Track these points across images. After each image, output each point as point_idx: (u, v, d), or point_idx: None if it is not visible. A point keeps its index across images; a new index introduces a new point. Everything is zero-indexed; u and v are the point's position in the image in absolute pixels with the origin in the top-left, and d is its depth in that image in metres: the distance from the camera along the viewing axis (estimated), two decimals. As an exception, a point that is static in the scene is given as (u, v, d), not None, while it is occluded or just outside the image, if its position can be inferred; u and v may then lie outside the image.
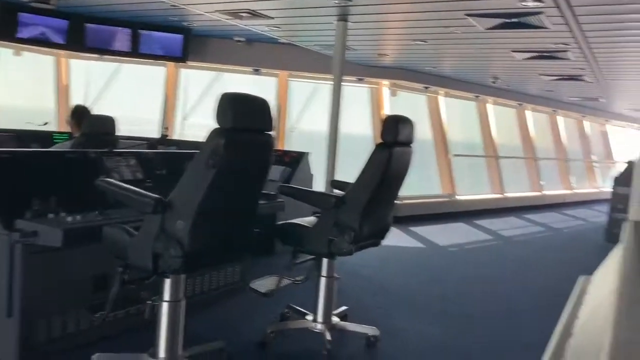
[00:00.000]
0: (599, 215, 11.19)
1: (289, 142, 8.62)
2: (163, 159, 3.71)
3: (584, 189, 14.15)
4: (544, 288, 5.11)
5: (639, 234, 1.90)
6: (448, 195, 9.65)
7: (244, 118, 2.38)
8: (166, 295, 2.57)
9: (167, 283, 2.56)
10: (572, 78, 8.09)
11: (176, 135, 8.17)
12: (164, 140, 5.01)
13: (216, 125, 2.33)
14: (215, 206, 2.37)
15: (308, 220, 3.32)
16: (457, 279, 5.32)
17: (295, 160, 5.70)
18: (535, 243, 8.13)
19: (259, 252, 4.96)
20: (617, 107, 12.43)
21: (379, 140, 3.11)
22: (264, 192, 3.83)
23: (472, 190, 10.60)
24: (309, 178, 5.84)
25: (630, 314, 0.88)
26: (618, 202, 7.78)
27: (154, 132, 7.39)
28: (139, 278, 2.52)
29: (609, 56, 6.10)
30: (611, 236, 7.57)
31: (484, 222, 9.18)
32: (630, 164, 7.83)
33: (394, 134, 3.03)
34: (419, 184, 9.81)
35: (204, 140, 2.32)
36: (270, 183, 4.90)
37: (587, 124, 15.00)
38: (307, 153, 5.83)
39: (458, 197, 9.76)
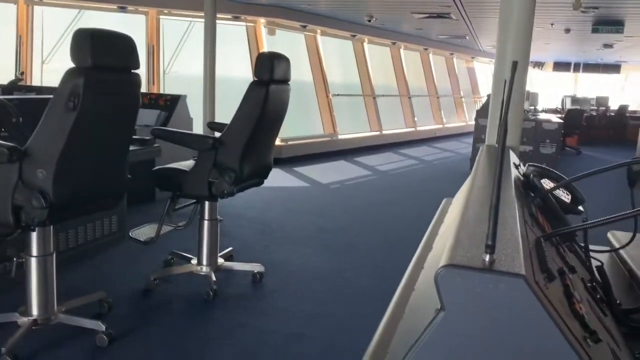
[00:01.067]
0: (466, 147, 12.13)
1: (165, 86, 8.22)
2: (18, 105, 3.37)
3: (453, 123, 15.18)
4: (417, 214, 5.49)
5: (490, 155, 2.08)
6: (330, 135, 9.87)
7: (105, 55, 2.21)
8: (33, 250, 2.40)
9: (33, 237, 2.39)
10: (440, 15, 8.47)
11: (35, 81, 7.43)
12: (17, 86, 4.53)
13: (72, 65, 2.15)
14: (80, 152, 2.22)
15: (186, 164, 3.24)
16: (339, 214, 5.54)
17: (171, 103, 5.47)
18: (410, 175, 8.66)
19: (138, 199, 4.79)
20: (482, 44, 13.28)
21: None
22: (139, 137, 3.67)
23: (352, 128, 10.93)
24: (188, 122, 5.65)
25: (467, 219, 0.98)
26: (480, 133, 8.46)
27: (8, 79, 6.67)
28: (0, 234, 2.33)
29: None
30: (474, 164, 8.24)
31: (364, 159, 9.57)
32: (489, 97, 8.49)
33: (269, 71, 2.99)
34: (301, 125, 9.93)
35: (60, 81, 2.13)
36: (146, 128, 4.69)
37: (455, 61, 15.92)
38: (183, 96, 5.61)
39: (339, 137, 10.03)
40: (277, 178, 7.29)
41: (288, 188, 6.84)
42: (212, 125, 3.91)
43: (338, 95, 10.24)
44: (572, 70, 17.84)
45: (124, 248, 3.87)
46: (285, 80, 3.18)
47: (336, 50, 11.13)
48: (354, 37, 10.74)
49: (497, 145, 2.31)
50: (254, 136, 3.04)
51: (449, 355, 0.70)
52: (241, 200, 5.29)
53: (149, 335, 2.70)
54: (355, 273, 3.74)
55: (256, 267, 3.45)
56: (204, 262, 3.35)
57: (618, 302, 1.49)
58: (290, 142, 8.74)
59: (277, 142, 8.43)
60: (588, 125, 13.68)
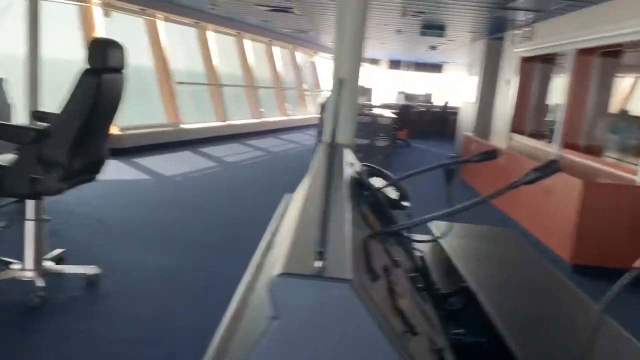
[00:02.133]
0: (310, 139, 12.54)
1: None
2: None
3: (298, 115, 15.58)
4: (262, 207, 5.55)
5: (325, 151, 2.17)
6: (173, 124, 9.51)
7: None
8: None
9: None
10: (283, 10, 8.60)
11: None
12: None
13: None
14: None
15: (6, 158, 2.89)
16: (183, 208, 5.38)
17: (-14, 87, 4.83)
18: (256, 166, 8.71)
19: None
20: (323, 39, 13.78)
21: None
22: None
23: (197, 118, 10.66)
24: (6, 108, 5.04)
25: (300, 224, 1.01)
26: (323, 126, 8.80)
27: None
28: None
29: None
30: (318, 156, 8.56)
31: (209, 150, 9.40)
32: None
33: (103, 59, 2.78)
34: (141, 114, 9.42)
35: None
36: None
37: (298, 55, 16.31)
38: (1, 78, 4.99)
39: (183, 126, 9.72)
40: (115, 170, 6.84)
41: (127, 181, 6.46)
42: (37, 115, 3.52)
43: (182, 83, 9.89)
44: (403, 68, 19.35)
45: None
46: (119, 69, 2.98)
47: (181, 37, 10.73)
48: (197, 24, 10.44)
49: (332, 142, 2.42)
50: (85, 128, 2.80)
51: (282, 362, 0.72)
52: (73, 195, 4.86)
53: (-41, 354, 2.37)
54: (199, 273, 3.65)
55: (90, 270, 3.21)
56: (29, 266, 3.03)
57: (438, 287, 1.66)
58: (130, 132, 8.25)
59: (116, 131, 7.91)
60: (417, 120, 14.97)
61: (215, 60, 11.17)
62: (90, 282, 3.18)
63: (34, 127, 2.88)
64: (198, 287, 3.38)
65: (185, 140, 9.57)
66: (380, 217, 1.47)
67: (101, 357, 2.47)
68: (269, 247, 1.59)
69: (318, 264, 0.76)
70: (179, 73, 9.93)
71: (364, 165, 1.69)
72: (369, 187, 1.52)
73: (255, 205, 5.79)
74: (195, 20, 10.22)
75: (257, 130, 12.46)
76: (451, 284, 1.76)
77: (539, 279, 1.78)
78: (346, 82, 2.46)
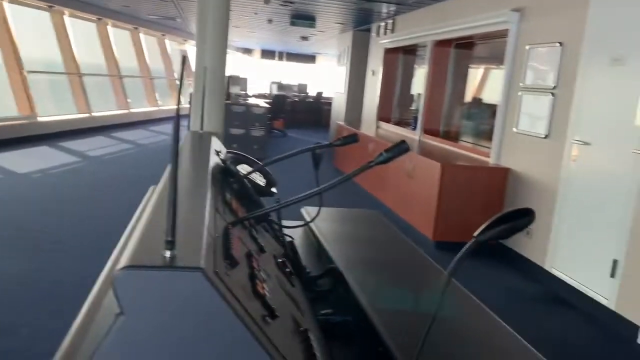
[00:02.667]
0: (183, 130, 12.14)
1: None
2: None
3: (169, 106, 15.00)
4: (130, 202, 5.27)
5: (193, 139, 2.10)
6: (26, 117, 8.67)
7: None
8: None
9: None
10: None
11: None
12: None
13: None
14: None
15: None
16: (42, 207, 4.93)
17: None
18: (123, 160, 8.25)
19: None
20: (193, 27, 13.35)
21: None
22: None
23: (57, 110, 9.82)
24: None
25: (154, 214, 0.96)
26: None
27: None
28: None
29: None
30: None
31: (71, 144, 8.73)
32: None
33: None
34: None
35: None
36: None
37: (168, 43, 15.67)
38: None
39: (40, 119, 8.90)
40: (-44, 169, 6.10)
41: (-28, 181, 5.78)
42: None
43: (34, 72, 9.03)
44: (276, 58, 19.43)
45: None
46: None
47: (34, 21, 9.76)
48: (51, 7, 9.58)
49: (200, 131, 2.36)
50: None
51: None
52: None
53: None
54: (59, 274, 3.38)
55: None
56: None
57: (308, 270, 1.68)
58: (-27, 126, 7.38)
59: (-45, 126, 7.03)
60: (292, 110, 15.14)
61: (75, 49, 10.35)
62: None
63: None
64: (62, 290, 3.11)
65: (43, 134, 8.78)
66: (247, 204, 1.45)
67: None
68: (129, 236, 1.50)
69: (167, 253, 0.72)
70: (34, 63, 9.06)
71: (229, 152, 1.66)
72: (235, 174, 1.50)
73: (120, 200, 5.48)
74: (48, 4, 9.38)
75: (124, 122, 11.80)
76: (321, 267, 1.80)
77: (401, 256, 1.89)
78: (211, 70, 2.40)
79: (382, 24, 8.31)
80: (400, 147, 1.01)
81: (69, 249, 3.83)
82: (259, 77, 18.51)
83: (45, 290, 3.09)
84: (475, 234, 0.84)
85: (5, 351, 2.41)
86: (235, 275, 0.84)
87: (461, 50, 6.37)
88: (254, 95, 13.29)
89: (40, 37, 10.17)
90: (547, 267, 4.01)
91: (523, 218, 0.84)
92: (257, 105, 9.49)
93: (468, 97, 6.43)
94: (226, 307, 0.70)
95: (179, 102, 0.85)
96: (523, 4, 4.58)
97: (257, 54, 19.79)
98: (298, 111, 15.72)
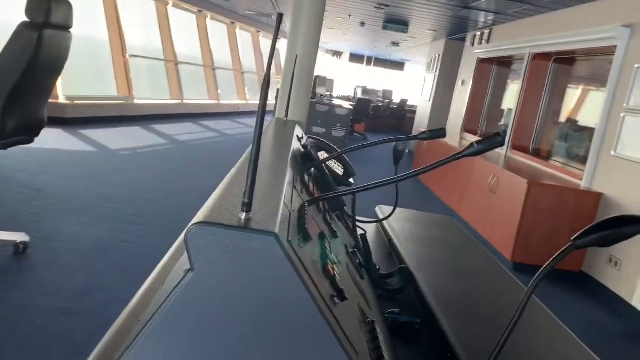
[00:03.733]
0: (266, 124, 12.43)
1: None
2: None
3: (256, 100, 15.38)
4: (211, 186, 5.43)
5: (277, 126, 2.11)
6: (124, 98, 9.20)
7: None
8: None
9: None
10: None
11: None
12: None
13: None
14: None
15: None
16: (126, 182, 5.19)
17: None
18: (210, 147, 8.54)
19: None
20: (287, 25, 13.62)
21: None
22: None
23: (152, 95, 10.35)
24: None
25: (233, 181, 0.95)
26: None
27: None
28: None
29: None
30: (273, 142, 8.49)
31: (162, 127, 9.16)
32: (292, 78, 8.76)
33: (45, 13, 2.61)
34: (93, 85, 9.07)
35: None
36: None
37: (261, 40, 16.10)
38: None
39: (136, 101, 9.42)
40: (58, 139, 6.56)
41: (71, 152, 6.19)
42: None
43: (136, 56, 9.57)
44: (365, 62, 19.43)
45: None
46: (65, 27, 2.82)
47: (139, 10, 10.36)
48: (157, -3, 10.13)
49: (285, 119, 2.37)
50: (21, 85, 2.63)
51: (197, 316, 0.66)
52: (11, 160, 4.65)
53: None
54: (139, 244, 3.54)
55: (19, 237, 3.03)
56: (-49, 229, 2.84)
57: (377, 267, 1.63)
58: (77, 102, 7.92)
59: (62, 100, 7.57)
60: (374, 115, 15.08)
61: (174, 36, 10.87)
62: (18, 250, 3.01)
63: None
64: (132, 262, 3.25)
65: (137, 115, 9.28)
66: (324, 190, 1.43)
67: (26, 328, 2.34)
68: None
69: (242, 215, 0.70)
70: (136, 49, 9.60)
71: (311, 137, 1.64)
72: (315, 158, 1.48)
73: (200, 183, 5.67)
74: (155, -7, 9.92)
75: (213, 111, 12.23)
76: (391, 266, 1.74)
77: (475, 264, 1.79)
78: (301, 58, 2.41)
79: (478, 33, 8.07)
80: (494, 140, 0.94)
81: (146, 224, 3.99)
82: (345, 80, 18.59)
83: (122, 260, 3.24)
84: (573, 237, 0.76)
85: (81, 309, 2.53)
86: (307, 250, 0.81)
87: (560, 66, 6.04)
88: (338, 97, 13.36)
89: (144, 25, 10.77)
90: (634, 303, 3.70)
91: (628, 226, 0.74)
92: (341, 107, 9.52)
93: (563, 117, 6.09)
94: (296, 276, 0.67)
95: (270, 62, 0.83)
96: (635, 20, 4.26)
97: (345, 57, 19.88)
98: (381, 116, 15.63)
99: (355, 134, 12.67)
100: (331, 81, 12.23)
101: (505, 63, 7.61)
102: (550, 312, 1.47)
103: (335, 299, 0.79)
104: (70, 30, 2.88)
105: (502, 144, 0.97)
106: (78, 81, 8.32)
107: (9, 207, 3.78)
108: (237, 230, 0.67)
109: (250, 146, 1.50)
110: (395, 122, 15.82)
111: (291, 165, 1.25)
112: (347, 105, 10.09)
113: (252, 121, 12.83)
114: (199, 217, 0.69)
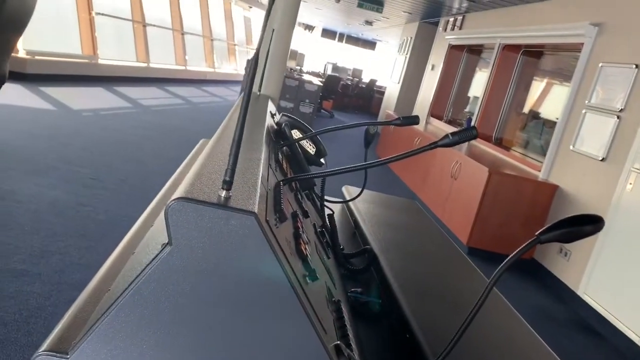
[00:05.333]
0: (234, 95, 12.26)
1: None
2: None
3: (225, 70, 15.13)
4: (174, 154, 5.36)
5: (252, 99, 2.10)
6: (88, 57, 8.90)
7: None
8: None
9: None
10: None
11: None
12: None
13: None
14: None
15: None
16: (88, 144, 5.06)
17: None
18: (174, 114, 8.38)
19: None
20: (260, -5, 13.38)
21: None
22: None
23: (117, 55, 10.03)
24: None
25: (209, 157, 0.96)
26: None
27: None
28: None
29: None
30: (240, 113, 8.41)
31: (126, 90, 8.92)
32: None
33: (11, -36, 2.49)
34: (54, 41, 8.71)
35: None
36: None
37: (233, 7, 15.76)
38: None
39: (100, 61, 9.12)
40: (17, 96, 6.31)
41: (30, 109, 5.97)
42: None
43: (102, 14, 9.23)
44: (337, 39, 19.31)
45: None
46: (32, -20, 2.70)
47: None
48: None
49: (258, 93, 2.35)
50: (-17, 38, 2.52)
51: (172, 290, 0.67)
52: (-36, 115, 4.46)
53: None
54: (97, 208, 3.47)
55: (-26, 194, 2.94)
56: None
57: (342, 247, 1.66)
58: (38, 57, 7.61)
59: (22, 55, 7.26)
60: (342, 93, 15.06)
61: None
62: (-27, 208, 2.92)
63: None
64: (90, 226, 3.20)
65: (101, 76, 9.00)
66: (295, 169, 1.44)
67: (-23, 288, 2.28)
68: (175, 185, 1.52)
69: (222, 193, 0.71)
70: (103, 7, 9.25)
71: (285, 115, 1.64)
72: (288, 137, 1.48)
73: (162, 149, 5.59)
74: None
75: (180, 77, 11.97)
76: (354, 246, 1.78)
77: (436, 248, 1.84)
78: (277, 33, 2.38)
79: (451, 19, 8.13)
80: (469, 133, 0.97)
81: (105, 188, 3.92)
82: (316, 55, 18.45)
83: (80, 223, 3.18)
84: (538, 232, 0.80)
85: (35, 273, 2.49)
86: (283, 230, 0.83)
87: (528, 59, 6.17)
88: (308, 72, 13.26)
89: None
90: (579, 292, 3.89)
91: (591, 224, 0.79)
92: (310, 82, 9.47)
93: (527, 109, 6.24)
94: (272, 255, 0.69)
95: (259, 48, 0.83)
96: (603, 19, 4.38)
97: (318, 31, 19.70)
98: (349, 95, 15.62)
99: (322, 110, 12.64)
100: (302, 55, 12.12)
101: (475, 51, 7.71)
102: (504, 297, 1.54)
103: (307, 278, 0.81)
104: (37, -17, 2.76)
105: (476, 137, 1.00)
106: (40, 36, 7.97)
107: (-37, 163, 3.64)
108: (218, 208, 0.68)
109: (224, 120, 1.50)
110: (362, 102, 15.86)
111: (266, 143, 1.25)
112: (316, 81, 10.04)
113: (219, 90, 12.63)
114: (180, 192, 0.69)
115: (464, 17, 7.71)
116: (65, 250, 2.77)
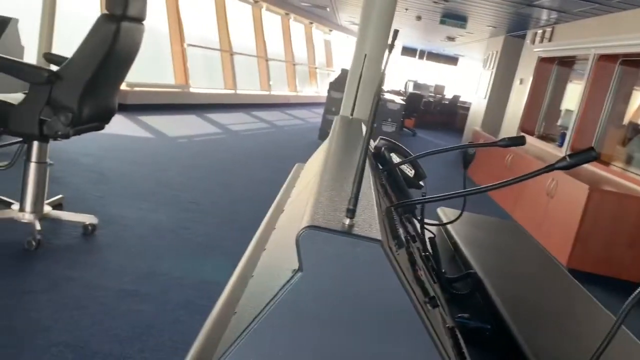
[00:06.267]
0: (317, 117, 12.48)
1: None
2: None
3: (307, 92, 15.48)
4: (265, 176, 5.54)
5: (344, 125, 2.14)
6: (181, 86, 9.44)
7: None
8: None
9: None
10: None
11: None
12: None
13: None
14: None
15: (14, 96, 2.84)
16: (184, 169, 5.35)
17: (-1, 26, 4.75)
18: (262, 138, 8.67)
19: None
20: (341, 18, 13.62)
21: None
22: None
23: (207, 84, 10.57)
24: (18, 50, 4.97)
25: (326, 184, 0.98)
26: (331, 105, 8.75)
27: None
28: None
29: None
30: (323, 134, 8.56)
31: (216, 116, 9.34)
32: (344, 71, 8.77)
33: (123, 5, 2.71)
34: (151, 72, 9.33)
35: None
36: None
37: (314, 31, 16.14)
38: (15, 19, 4.90)
39: (191, 90, 9.64)
40: (119, 125, 6.80)
41: (131, 137, 6.42)
42: (48, 57, 3.47)
43: (193, 45, 9.78)
44: (417, 56, 19.17)
45: None
46: (139, 19, 2.92)
47: (197, 0, 10.57)
48: (216, -12, 10.30)
49: (350, 117, 2.39)
50: (97, 75, 2.75)
51: (304, 315, 0.70)
52: (77, 144, 4.85)
53: (-49, 287, 2.36)
54: (195, 230, 3.65)
55: (88, 219, 3.18)
56: (28, 208, 3.00)
57: (444, 271, 1.64)
58: (137, 88, 8.17)
59: (122, 86, 7.83)
60: (425, 110, 14.89)
61: (230, 28, 11.04)
62: (87, 231, 3.16)
63: (47, 68, 2.82)
64: (196, 245, 3.37)
65: (193, 104, 9.50)
66: (397, 193, 1.44)
67: (94, 307, 2.46)
68: (279, 209, 1.57)
69: (346, 221, 0.73)
70: (192, 38, 9.81)
71: (383, 138, 1.65)
72: (388, 160, 1.50)
73: (260, 172, 5.79)
74: (214, -16, 10.08)
75: (265, 102, 12.38)
76: (455, 270, 1.74)
77: (544, 272, 1.77)
78: (369, 58, 2.42)
79: (539, 31, 7.84)
80: (588, 154, 0.93)
81: (202, 211, 4.11)
82: (396, 73, 18.42)
83: (180, 245, 3.35)
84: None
85: (144, 293, 2.65)
86: (401, 255, 0.84)
87: (627, 68, 5.80)
88: (389, 91, 13.26)
89: (202, 15, 10.98)
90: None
91: None
92: (393, 101, 9.45)
93: (626, 121, 5.86)
94: (398, 283, 0.70)
95: (379, 89, 0.86)
96: None
97: (397, 50, 19.68)
98: (431, 112, 15.42)
99: (404, 129, 12.56)
100: (383, 74, 12.13)
101: (566, 63, 7.37)
102: (629, 332, 1.44)
103: (428, 305, 0.82)
104: (144, 22, 2.98)
105: (595, 159, 0.96)
106: (138, 68, 8.57)
107: (77, 189, 3.96)
108: (345, 236, 0.70)
109: (325, 145, 1.53)
110: (446, 119, 15.59)
111: (370, 167, 1.27)
112: (399, 100, 10.02)
113: (301, 113, 12.93)
114: (308, 220, 0.72)
115: (553, 28, 7.42)
116: (169, 272, 2.93)
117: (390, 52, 0.85)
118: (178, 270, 2.96)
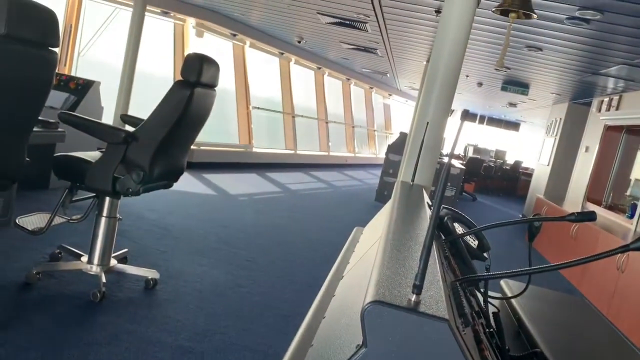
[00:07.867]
0: (374, 178, 12.52)
1: (78, 69, 7.74)
2: None
3: (364, 154, 15.63)
4: (322, 237, 5.55)
5: (404, 191, 2.14)
6: (244, 146, 9.77)
7: (20, 25, 2.03)
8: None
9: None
10: (366, 50, 8.73)
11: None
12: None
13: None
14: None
15: (92, 154, 3.04)
16: (244, 227, 5.45)
17: (83, 88, 5.15)
18: (320, 198, 8.76)
19: (30, 185, 4.44)
20: (400, 83, 13.85)
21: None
22: (41, 118, 3.40)
23: (268, 144, 10.91)
24: (98, 110, 5.35)
25: (389, 255, 0.98)
26: (389, 167, 8.77)
27: None
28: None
29: (399, 34, 6.71)
30: (380, 196, 8.55)
31: (276, 175, 9.56)
32: (403, 135, 8.82)
33: (197, 73, 2.90)
34: (216, 132, 9.75)
35: None
36: (51, 110, 4.37)
37: (373, 96, 16.47)
38: (97, 82, 5.31)
39: (254, 149, 9.96)
40: (184, 182, 7.06)
41: (194, 194, 6.64)
42: (125, 118, 3.72)
43: (258, 108, 10.19)
44: (477, 121, 19.07)
45: (8, 235, 3.54)
46: (212, 85, 3.10)
47: (261, 64, 11.10)
48: (281, 54, 10.78)
49: (411, 183, 2.39)
50: (170, 137, 2.92)
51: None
52: (143, 200, 5.06)
53: (20, 333, 2.46)
54: (252, 290, 3.67)
55: (151, 273, 3.28)
56: (95, 261, 3.14)
57: (507, 348, 1.57)
58: (202, 147, 8.53)
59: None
60: (485, 175, 14.65)
61: (294, 90, 11.46)
62: (149, 285, 3.25)
63: (124, 129, 3.01)
64: (253, 305, 3.38)
65: (254, 163, 9.79)
66: (460, 265, 1.42)
67: (150, 361, 2.49)
68: (338, 274, 1.57)
69: (414, 297, 0.73)
70: (255, 98, 10.24)
71: (445, 207, 1.64)
72: (452, 231, 1.48)
73: (317, 232, 5.81)
74: (280, 50, 10.57)
75: (323, 162, 12.58)
76: (521, 347, 1.66)
77: (615, 354, 1.65)
78: (431, 125, 2.44)
79: (606, 99, 7.67)
80: (666, 236, 0.89)
81: (259, 270, 4.14)
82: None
83: (237, 304, 3.37)
84: None
85: (199, 351, 2.66)
86: (468, 333, 0.82)
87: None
88: (448, 155, 13.18)
89: (267, 79, 11.48)
90: None
91: None
92: (454, 166, 9.38)
93: None
94: (465, 364, 0.68)
95: (450, 159, 0.87)
96: None
97: (457, 114, 19.69)
98: (492, 177, 15.14)
99: (464, 193, 12.36)
100: (443, 139, 12.14)
101: (635, 131, 7.13)
102: None
103: (495, 388, 0.79)
104: (216, 88, 3.16)
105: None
106: (205, 128, 8.99)
107: (141, 244, 4.11)
108: (411, 313, 0.69)
109: (387, 213, 1.54)
110: (507, 184, 15.24)
111: (434, 238, 1.26)
112: (459, 164, 9.93)
113: (359, 174, 13.01)
114: (373, 294, 0.73)
115: (620, 96, 7.24)
116: (225, 331, 2.94)
117: (458, 134, 0.87)
118: (233, 330, 2.97)
